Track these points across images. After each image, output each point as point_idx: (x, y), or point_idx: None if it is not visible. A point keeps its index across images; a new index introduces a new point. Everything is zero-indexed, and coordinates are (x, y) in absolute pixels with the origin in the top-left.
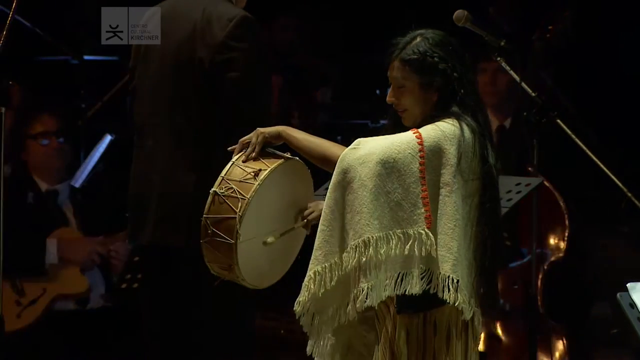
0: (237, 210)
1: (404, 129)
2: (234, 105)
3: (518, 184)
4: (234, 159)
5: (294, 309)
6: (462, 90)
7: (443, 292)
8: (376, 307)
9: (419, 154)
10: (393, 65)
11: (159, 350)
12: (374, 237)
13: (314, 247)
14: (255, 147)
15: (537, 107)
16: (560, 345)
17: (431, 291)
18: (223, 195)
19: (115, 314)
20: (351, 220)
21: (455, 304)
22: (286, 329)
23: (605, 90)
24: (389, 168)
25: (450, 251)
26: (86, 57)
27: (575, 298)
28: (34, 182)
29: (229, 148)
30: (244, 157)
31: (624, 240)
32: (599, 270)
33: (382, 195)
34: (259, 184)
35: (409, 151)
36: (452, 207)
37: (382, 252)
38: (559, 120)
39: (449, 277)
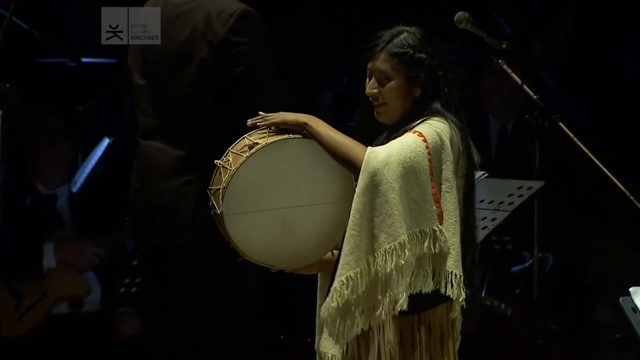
0: (223, 181)
1: (378, 129)
2: (242, 99)
3: (520, 188)
4: (246, 134)
5: (321, 314)
6: (445, 89)
7: (445, 288)
8: None
9: (426, 151)
10: (378, 57)
11: (161, 350)
12: (406, 239)
13: (344, 252)
14: (268, 123)
15: (538, 109)
16: (562, 350)
17: (434, 287)
18: (221, 167)
19: (112, 318)
20: (382, 223)
21: (460, 300)
22: (285, 333)
23: (607, 92)
24: (408, 168)
25: (453, 247)
26: (84, 60)
27: (577, 303)
28: (33, 185)
29: (249, 121)
30: (255, 130)
31: (626, 244)
32: (602, 274)
33: (405, 195)
34: (246, 157)
35: (420, 149)
36: (452, 202)
37: (412, 253)
38: (560, 123)
39: (452, 272)
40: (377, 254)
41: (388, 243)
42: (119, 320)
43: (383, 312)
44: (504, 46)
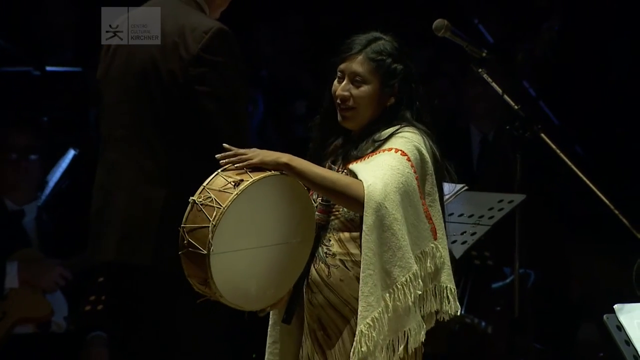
0: (212, 219)
1: (340, 134)
2: (209, 120)
3: (500, 201)
4: (219, 170)
5: (352, 359)
6: (417, 102)
7: (441, 304)
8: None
9: (412, 170)
10: (355, 58)
11: None
12: (417, 268)
13: (364, 294)
14: (245, 164)
15: (520, 120)
16: None
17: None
18: (201, 204)
19: (78, 337)
20: (392, 257)
21: (457, 314)
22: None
23: (590, 101)
24: (403, 193)
25: (445, 260)
26: (48, 69)
27: (560, 320)
28: (1, 201)
29: (218, 156)
30: (231, 167)
31: (611, 260)
32: (585, 291)
33: (405, 222)
34: (236, 194)
35: (407, 170)
36: (438, 216)
37: (421, 278)
38: (542, 134)
39: (446, 287)
40: (394, 289)
41: (403, 276)
42: (89, 344)
43: (406, 347)
44: (484, 55)
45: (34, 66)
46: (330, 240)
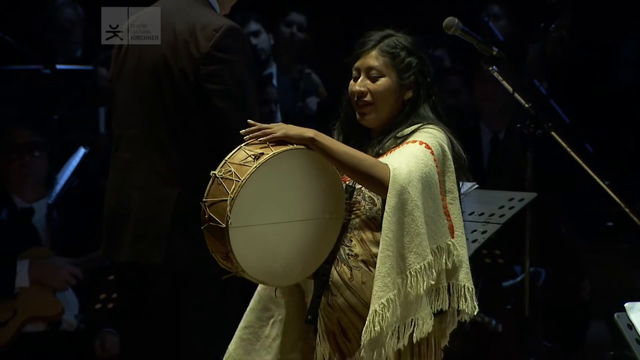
0: (230, 192)
1: (361, 136)
2: (221, 118)
3: (511, 199)
4: (242, 144)
5: (364, 338)
6: (433, 97)
7: (458, 302)
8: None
9: (435, 164)
10: (369, 54)
11: None
12: (432, 258)
13: (382, 274)
14: (269, 137)
15: (531, 118)
16: None
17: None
18: (221, 178)
19: (89, 335)
20: (410, 243)
21: (475, 314)
22: None
23: (601, 100)
24: (425, 183)
25: (464, 259)
26: (59, 67)
27: (571, 319)
28: (10, 198)
29: (242, 131)
30: (254, 141)
31: (622, 258)
32: (596, 289)
33: (425, 212)
34: (255, 167)
35: (430, 162)
36: (458, 214)
37: (435, 271)
38: (553, 132)
39: (464, 286)
40: (408, 275)
41: (418, 263)
42: (102, 340)
43: (413, 335)
44: (494, 53)
45: (44, 64)
46: (351, 241)
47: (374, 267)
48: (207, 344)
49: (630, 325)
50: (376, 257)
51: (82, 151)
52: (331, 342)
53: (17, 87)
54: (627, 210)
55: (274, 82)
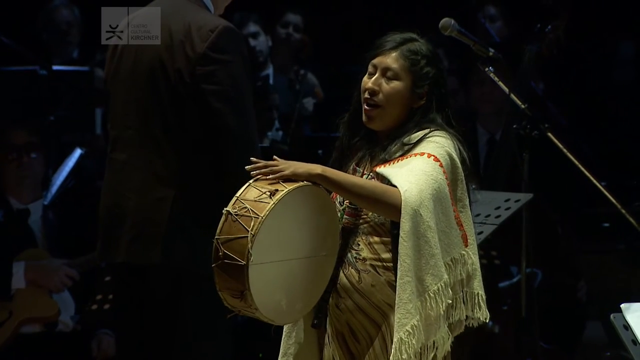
0: (250, 229)
1: (363, 134)
2: (217, 118)
3: (507, 200)
4: (250, 181)
5: None
6: (447, 108)
7: (472, 310)
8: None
9: (444, 177)
10: (390, 54)
11: None
12: (447, 276)
13: (403, 301)
14: (277, 176)
15: (527, 119)
16: None
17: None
18: (236, 215)
19: (85, 336)
20: (426, 265)
21: (486, 320)
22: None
23: (597, 102)
24: (436, 200)
25: (477, 267)
26: (55, 68)
27: (567, 319)
28: (6, 200)
29: (248, 167)
30: (262, 178)
31: (618, 259)
32: (592, 290)
33: (438, 228)
34: (274, 203)
35: (440, 177)
36: (469, 222)
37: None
38: (549, 133)
39: (477, 294)
40: (427, 297)
41: (435, 284)
42: (99, 341)
43: (438, 352)
44: (490, 54)
45: (40, 65)
46: (359, 245)
47: (382, 270)
48: (204, 344)
49: (627, 326)
50: (384, 260)
51: (78, 152)
52: (340, 344)
53: (14, 88)
54: (623, 211)
55: (270, 82)
